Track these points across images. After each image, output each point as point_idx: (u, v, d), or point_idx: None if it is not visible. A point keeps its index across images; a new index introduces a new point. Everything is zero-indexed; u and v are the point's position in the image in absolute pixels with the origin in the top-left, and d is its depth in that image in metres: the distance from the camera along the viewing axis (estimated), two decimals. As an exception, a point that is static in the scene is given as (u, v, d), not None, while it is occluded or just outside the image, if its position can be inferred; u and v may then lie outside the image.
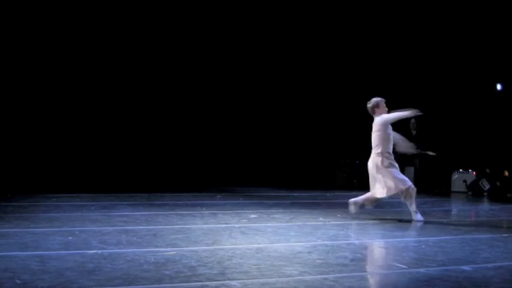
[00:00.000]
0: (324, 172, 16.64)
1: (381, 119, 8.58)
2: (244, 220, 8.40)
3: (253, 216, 8.85)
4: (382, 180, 8.51)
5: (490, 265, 5.59)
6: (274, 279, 4.85)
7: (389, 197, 8.80)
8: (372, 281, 5.21)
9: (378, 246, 6.81)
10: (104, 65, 16.04)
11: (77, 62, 15.85)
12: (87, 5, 15.63)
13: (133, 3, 16.08)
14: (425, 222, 8.54)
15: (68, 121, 15.76)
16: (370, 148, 8.66)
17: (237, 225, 7.80)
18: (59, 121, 15.62)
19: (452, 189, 14.67)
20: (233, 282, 4.66)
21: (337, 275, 5.04)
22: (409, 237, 7.33)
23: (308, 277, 4.96)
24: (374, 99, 8.73)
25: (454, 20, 15.69)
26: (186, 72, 16.81)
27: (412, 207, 8.60)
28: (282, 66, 17.20)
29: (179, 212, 9.16)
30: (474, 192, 14.10)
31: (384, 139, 8.58)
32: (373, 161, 8.59)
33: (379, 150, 8.56)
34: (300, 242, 6.68)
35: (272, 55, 17.04)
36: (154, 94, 16.61)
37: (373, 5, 16.42)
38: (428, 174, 14.42)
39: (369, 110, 8.74)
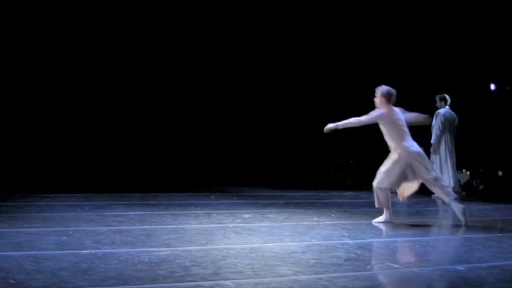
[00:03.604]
0: (318, 172, 16.66)
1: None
2: (239, 220, 8.40)
3: (247, 216, 8.85)
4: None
5: (483, 265, 5.61)
6: (268, 279, 4.86)
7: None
8: (366, 281, 5.22)
9: (372, 246, 6.82)
10: (98, 64, 16.01)
11: (70, 60, 15.82)
12: (87, 5, 15.61)
13: (133, 3, 16.06)
14: (421, 222, 8.56)
15: (63, 121, 15.73)
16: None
17: (231, 225, 7.80)
18: (54, 121, 15.60)
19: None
20: (227, 282, 4.66)
21: (331, 274, 5.05)
22: (403, 237, 7.34)
23: (302, 277, 4.97)
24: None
25: (448, 20, 15.72)
26: (180, 72, 16.80)
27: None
28: (277, 66, 17.20)
29: (173, 212, 9.16)
30: (468, 192, 14.12)
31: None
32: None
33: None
34: (294, 241, 6.69)
35: (266, 55, 17.04)
36: (148, 94, 16.59)
37: (367, 7, 16.43)
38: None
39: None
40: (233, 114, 17.17)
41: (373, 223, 8.31)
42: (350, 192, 13.64)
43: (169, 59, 16.74)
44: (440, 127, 12.60)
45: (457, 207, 8.34)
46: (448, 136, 12.74)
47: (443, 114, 12.65)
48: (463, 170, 14.64)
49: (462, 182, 14.43)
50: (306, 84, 17.37)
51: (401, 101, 12.51)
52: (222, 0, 16.58)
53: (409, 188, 8.52)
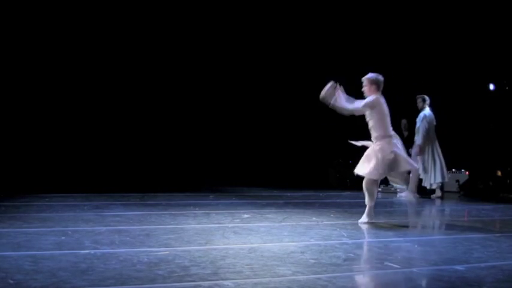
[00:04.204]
0: (317, 172, 16.66)
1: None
2: (238, 220, 8.40)
3: (246, 216, 8.85)
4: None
5: (482, 265, 5.61)
6: (267, 279, 4.86)
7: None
8: (365, 280, 5.22)
9: (371, 246, 6.82)
10: (98, 64, 16.02)
11: (70, 60, 15.82)
12: (87, 5, 15.61)
13: (133, 3, 16.06)
14: (420, 222, 8.55)
15: (62, 121, 15.73)
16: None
17: (230, 225, 7.80)
18: (53, 121, 15.59)
19: (445, 189, 14.69)
20: (226, 282, 4.67)
21: (330, 274, 5.05)
22: (402, 237, 7.34)
23: (301, 277, 4.97)
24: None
25: (446, 20, 15.71)
26: (179, 72, 16.80)
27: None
28: (274, 65, 17.20)
29: (172, 212, 9.15)
30: (467, 192, 14.12)
31: None
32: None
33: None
34: (293, 241, 6.68)
35: (264, 54, 17.04)
36: (147, 94, 16.59)
37: (366, 6, 16.43)
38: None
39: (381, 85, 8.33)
40: (232, 114, 17.17)
41: (358, 223, 8.28)
42: (349, 192, 13.64)
43: (169, 59, 16.74)
44: (427, 128, 12.70)
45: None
46: (434, 137, 12.92)
47: (429, 116, 12.82)
48: (462, 170, 14.65)
49: (461, 182, 14.45)
50: (304, 84, 17.35)
51: (401, 101, 12.59)
52: (222, 0, 16.57)
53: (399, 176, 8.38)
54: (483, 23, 15.34)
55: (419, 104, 12.98)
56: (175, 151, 16.54)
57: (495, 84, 15.92)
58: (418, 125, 12.88)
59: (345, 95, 8.33)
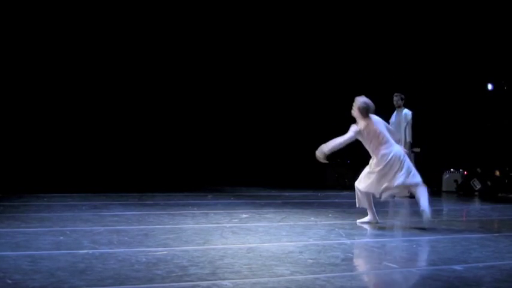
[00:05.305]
0: (315, 172, 16.64)
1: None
2: (236, 220, 8.40)
3: (244, 216, 8.85)
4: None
5: (481, 264, 5.62)
6: (265, 278, 4.86)
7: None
8: (363, 280, 5.22)
9: (369, 245, 6.82)
10: (97, 64, 16.01)
11: (69, 60, 15.82)
12: (87, 5, 15.60)
13: (133, 3, 16.05)
14: (419, 223, 8.55)
15: (61, 121, 15.72)
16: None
17: (228, 225, 7.80)
18: (52, 121, 15.58)
19: (443, 188, 14.70)
20: (224, 282, 4.67)
21: (329, 274, 5.05)
22: (400, 237, 7.34)
23: (299, 277, 4.97)
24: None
25: (445, 20, 15.72)
26: (178, 72, 16.80)
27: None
28: (273, 66, 17.20)
29: (170, 212, 9.16)
30: (465, 192, 14.13)
31: None
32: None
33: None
34: (291, 241, 6.69)
35: (264, 55, 17.04)
36: (146, 94, 16.58)
37: (366, 6, 16.43)
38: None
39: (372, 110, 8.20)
40: (231, 114, 17.17)
41: (357, 223, 8.29)
42: (347, 192, 13.64)
43: (168, 59, 16.73)
44: (410, 125, 12.65)
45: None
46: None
47: (411, 114, 12.69)
48: (460, 170, 14.65)
49: (459, 182, 14.45)
50: (302, 84, 17.37)
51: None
52: (222, 1, 16.57)
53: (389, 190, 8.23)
54: (482, 22, 15.34)
55: (398, 101, 12.83)
56: (174, 151, 16.54)
57: (493, 84, 15.92)
58: (403, 121, 12.72)
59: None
